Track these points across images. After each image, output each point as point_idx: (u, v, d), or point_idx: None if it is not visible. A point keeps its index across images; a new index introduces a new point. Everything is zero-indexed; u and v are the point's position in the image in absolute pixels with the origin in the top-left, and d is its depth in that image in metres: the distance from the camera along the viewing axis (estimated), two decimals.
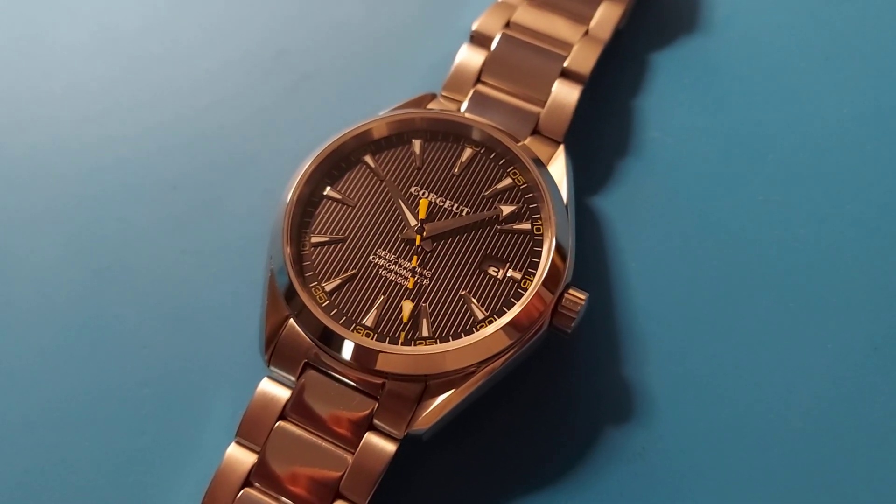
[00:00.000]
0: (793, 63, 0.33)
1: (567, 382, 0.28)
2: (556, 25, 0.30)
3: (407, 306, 0.26)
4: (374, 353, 0.25)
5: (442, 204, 0.27)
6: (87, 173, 0.31)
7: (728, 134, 0.31)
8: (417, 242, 0.26)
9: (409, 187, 0.28)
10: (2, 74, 0.33)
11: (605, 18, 0.31)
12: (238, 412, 0.25)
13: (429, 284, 0.26)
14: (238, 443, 0.25)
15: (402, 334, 0.25)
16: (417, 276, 0.26)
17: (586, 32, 0.30)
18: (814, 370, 0.27)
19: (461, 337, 0.25)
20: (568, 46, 0.30)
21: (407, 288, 0.26)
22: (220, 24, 0.34)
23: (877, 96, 0.32)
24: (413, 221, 0.27)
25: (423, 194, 0.27)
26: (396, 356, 0.25)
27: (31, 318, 0.29)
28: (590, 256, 0.29)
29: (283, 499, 0.24)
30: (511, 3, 0.31)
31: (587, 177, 0.30)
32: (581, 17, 0.31)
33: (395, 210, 0.27)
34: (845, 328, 0.28)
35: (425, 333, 0.25)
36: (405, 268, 0.26)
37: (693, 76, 0.33)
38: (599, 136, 0.31)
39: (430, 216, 0.27)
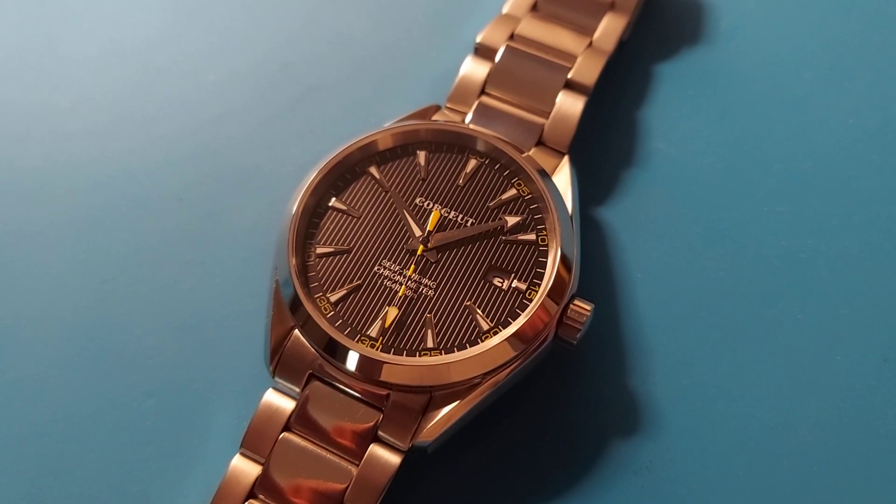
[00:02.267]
0: (798, 74, 0.33)
1: (572, 394, 0.27)
2: (560, 37, 0.30)
3: (392, 313, 0.25)
4: (379, 364, 0.25)
5: (447, 215, 0.27)
6: (94, 185, 0.31)
7: (733, 144, 0.31)
8: (418, 252, 0.26)
9: (414, 198, 0.28)
10: (11, 87, 0.34)
11: (608, 30, 0.31)
12: (242, 423, 0.25)
13: (433, 295, 0.26)
14: (242, 454, 0.25)
15: (381, 340, 0.25)
16: (415, 285, 0.26)
17: (590, 44, 0.31)
18: (823, 382, 0.27)
19: (466, 348, 0.25)
20: (572, 58, 0.30)
21: (399, 296, 0.26)
22: (227, 37, 0.34)
23: (883, 106, 0.32)
24: (418, 232, 0.27)
25: (429, 205, 0.27)
26: (401, 367, 0.25)
27: (37, 328, 0.29)
28: (595, 267, 0.29)
29: None
30: (515, 15, 0.31)
31: (592, 187, 0.30)
32: (585, 28, 0.31)
33: (400, 221, 0.27)
34: (854, 340, 0.28)
35: (430, 344, 0.25)
36: (409, 278, 0.26)
37: (697, 87, 0.33)
38: (604, 146, 0.31)
39: (435, 227, 0.27)
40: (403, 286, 0.26)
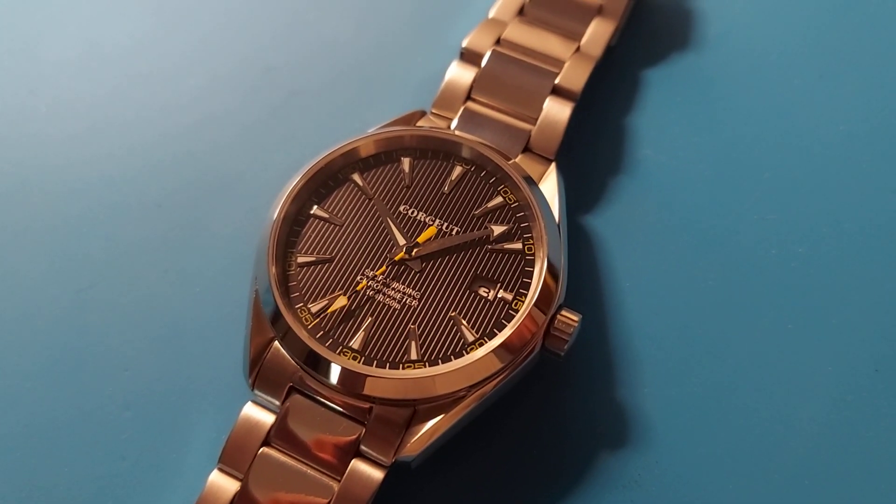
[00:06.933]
0: (787, 80, 0.33)
1: (560, 407, 0.27)
2: (547, 42, 0.30)
3: (340, 301, 0.25)
4: (362, 378, 0.24)
5: (431, 223, 0.27)
6: (71, 191, 0.31)
7: (722, 151, 0.31)
8: (397, 258, 0.26)
9: (398, 206, 0.27)
10: None
11: (596, 35, 0.30)
12: (222, 436, 0.24)
13: (417, 306, 0.25)
14: (221, 469, 0.24)
15: (312, 319, 0.25)
16: (379, 286, 0.25)
17: (577, 49, 0.30)
18: (814, 393, 0.27)
19: (451, 360, 0.25)
20: (559, 63, 0.30)
21: (357, 289, 0.25)
22: (208, 42, 0.34)
23: (872, 113, 0.32)
24: (402, 241, 0.26)
25: (414, 213, 0.27)
26: (384, 380, 0.24)
27: (10, 338, 0.28)
28: (583, 277, 0.29)
29: None
30: (502, 19, 0.31)
31: (580, 195, 0.30)
32: (572, 33, 0.30)
33: (384, 229, 0.27)
34: (846, 350, 0.27)
35: (414, 356, 0.25)
36: (394, 289, 0.26)
37: (686, 93, 0.32)
38: (592, 153, 0.31)
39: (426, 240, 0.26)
40: (365, 281, 0.25)
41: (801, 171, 0.31)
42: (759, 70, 0.33)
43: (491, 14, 0.31)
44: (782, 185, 0.30)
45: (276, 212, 0.26)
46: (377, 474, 0.24)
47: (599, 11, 0.31)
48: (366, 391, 0.24)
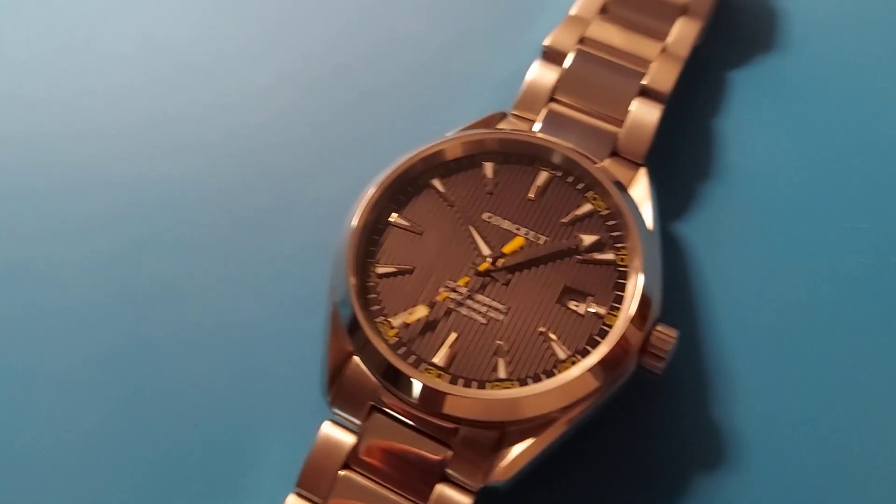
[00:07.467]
0: (874, 83, 0.31)
1: (650, 425, 0.25)
2: (632, 41, 0.28)
3: (420, 311, 0.24)
4: (443, 396, 0.23)
5: (516, 232, 0.25)
6: (132, 189, 0.29)
7: (810, 156, 0.29)
8: (481, 269, 0.24)
9: (481, 213, 0.26)
10: (45, 86, 0.32)
11: (683, 35, 0.29)
12: (297, 457, 0.23)
13: (504, 319, 0.24)
14: (298, 494, 0.23)
15: (392, 332, 0.24)
16: (460, 297, 0.24)
17: (664, 49, 0.29)
18: None
19: (542, 379, 0.23)
20: (645, 63, 0.28)
21: (438, 300, 0.24)
22: (274, 38, 0.32)
23: None
24: (486, 251, 0.25)
25: (498, 221, 0.25)
26: (467, 400, 0.23)
27: (70, 356, 0.27)
28: (672, 286, 0.27)
29: None
30: (584, 17, 0.29)
31: (666, 200, 0.28)
32: (657, 33, 0.29)
33: (467, 238, 0.25)
34: None
35: (502, 375, 0.23)
36: (478, 301, 0.24)
37: (771, 96, 0.31)
38: (677, 157, 0.29)
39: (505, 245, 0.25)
40: (446, 292, 0.24)
41: (892, 177, 0.29)
42: (845, 72, 0.31)
43: (572, 12, 0.29)
44: (873, 192, 0.29)
45: (354, 220, 0.25)
46: (465, 500, 0.22)
47: (684, 11, 0.29)
48: (446, 410, 0.23)
